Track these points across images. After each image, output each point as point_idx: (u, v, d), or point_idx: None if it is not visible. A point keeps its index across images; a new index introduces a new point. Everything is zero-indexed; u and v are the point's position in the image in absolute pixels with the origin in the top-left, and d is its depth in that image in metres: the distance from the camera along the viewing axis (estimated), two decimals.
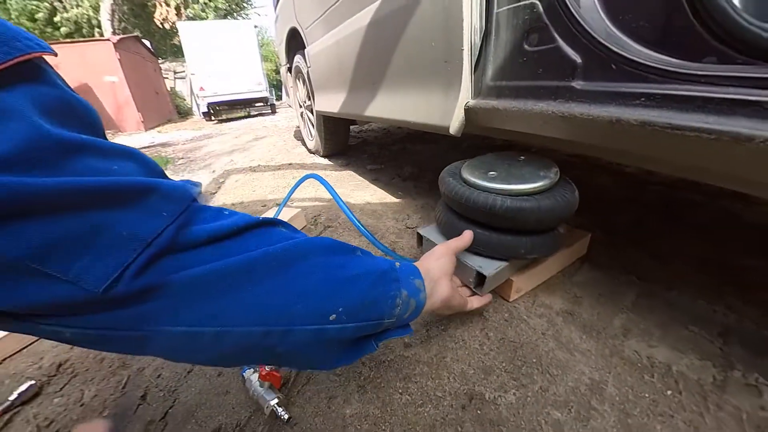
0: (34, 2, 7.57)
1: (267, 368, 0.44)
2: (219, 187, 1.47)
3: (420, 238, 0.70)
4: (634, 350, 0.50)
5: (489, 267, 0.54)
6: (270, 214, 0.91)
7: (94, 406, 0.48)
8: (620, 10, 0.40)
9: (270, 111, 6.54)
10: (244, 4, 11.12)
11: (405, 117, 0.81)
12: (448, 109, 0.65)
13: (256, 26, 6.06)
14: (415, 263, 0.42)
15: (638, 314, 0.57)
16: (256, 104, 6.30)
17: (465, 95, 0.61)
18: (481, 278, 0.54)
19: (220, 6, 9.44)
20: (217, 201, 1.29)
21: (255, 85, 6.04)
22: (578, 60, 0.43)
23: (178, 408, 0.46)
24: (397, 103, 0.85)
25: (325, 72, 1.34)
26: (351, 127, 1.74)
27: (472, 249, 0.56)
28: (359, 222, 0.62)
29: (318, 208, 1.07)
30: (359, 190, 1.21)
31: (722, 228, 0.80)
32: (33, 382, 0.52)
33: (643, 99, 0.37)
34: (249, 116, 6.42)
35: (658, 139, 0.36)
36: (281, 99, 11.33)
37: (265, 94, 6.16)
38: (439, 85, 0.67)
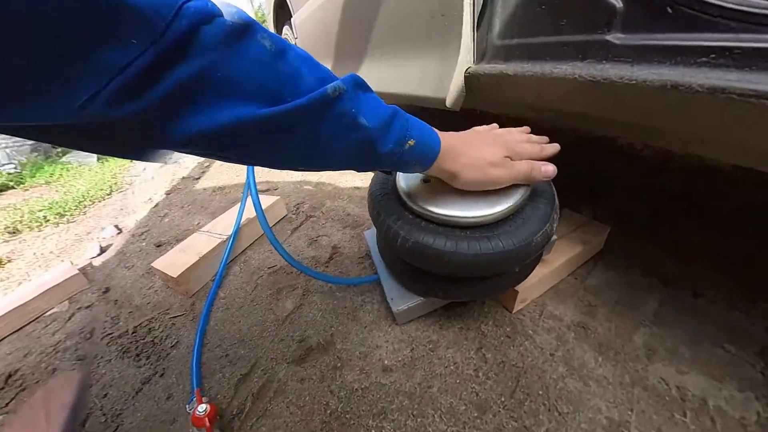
0: None
1: (199, 409, 0.36)
2: (203, 173, 1.40)
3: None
4: (660, 377, 0.40)
5: (400, 301, 0.44)
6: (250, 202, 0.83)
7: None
8: None
9: None
10: None
11: (395, 89, 0.68)
12: (445, 76, 0.52)
13: (251, 1, 5.72)
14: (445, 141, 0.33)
15: (663, 327, 0.46)
16: None
17: (466, 58, 0.48)
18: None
19: None
20: (199, 186, 1.22)
21: None
22: (618, 4, 0.30)
23: None
24: (386, 73, 0.72)
25: (311, 42, 1.20)
26: None
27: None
28: (276, 240, 0.51)
29: (302, 195, 0.98)
30: (348, 175, 1.11)
31: (751, 220, 0.66)
32: None
33: (713, 56, 0.25)
34: None
35: (735, 113, 0.24)
36: None
37: None
38: (434, 47, 0.54)
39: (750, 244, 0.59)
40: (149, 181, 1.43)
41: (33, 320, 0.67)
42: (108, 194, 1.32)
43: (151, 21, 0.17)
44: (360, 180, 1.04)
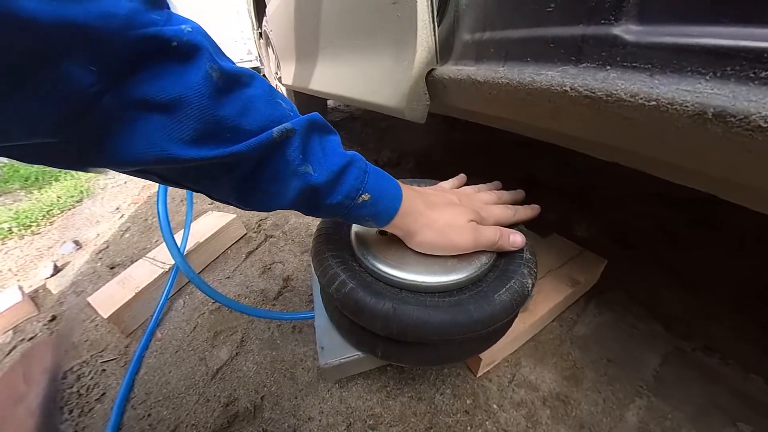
0: None
1: None
2: None
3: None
4: None
5: (330, 354, 0.35)
6: (209, 219, 0.75)
7: None
8: None
9: None
10: None
11: (350, 93, 0.57)
12: (399, 80, 0.41)
13: None
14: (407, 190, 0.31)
15: (664, 398, 0.37)
16: None
17: (424, 57, 0.37)
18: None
19: None
20: (168, 194, 1.15)
21: (245, 54, 5.62)
22: None
23: None
24: (339, 75, 0.61)
25: (281, 36, 1.08)
26: (327, 101, 1.49)
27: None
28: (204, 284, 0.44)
29: None
30: None
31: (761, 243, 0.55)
32: None
33: None
34: None
35: None
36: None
37: (257, 64, 5.74)
38: (385, 44, 0.43)
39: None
40: (121, 186, 1.37)
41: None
42: (78, 201, 1.27)
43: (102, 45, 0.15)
44: None
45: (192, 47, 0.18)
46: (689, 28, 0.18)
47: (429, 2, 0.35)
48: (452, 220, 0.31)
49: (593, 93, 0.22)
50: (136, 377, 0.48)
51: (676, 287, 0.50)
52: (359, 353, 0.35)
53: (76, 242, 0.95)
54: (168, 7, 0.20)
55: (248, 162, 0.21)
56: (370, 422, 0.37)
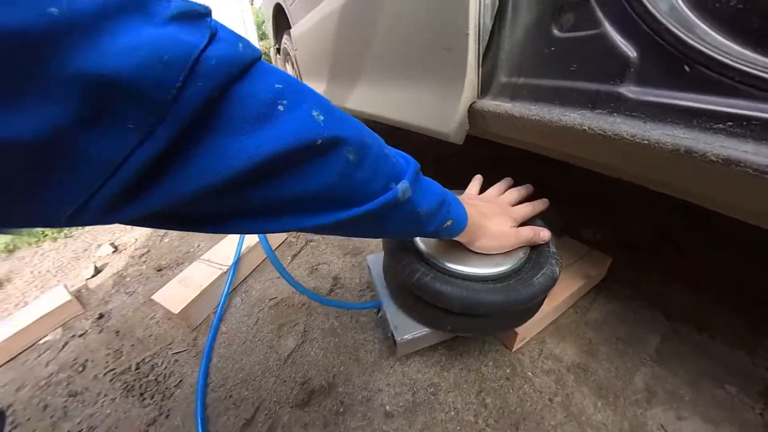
0: None
1: None
2: None
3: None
4: (659, 424, 0.40)
5: (404, 330, 0.44)
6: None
7: None
8: None
9: None
10: None
11: (395, 116, 0.67)
12: (447, 110, 0.51)
13: (252, 2, 5.64)
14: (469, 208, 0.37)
15: (665, 367, 0.47)
16: None
17: (469, 94, 0.47)
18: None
19: None
20: None
21: None
22: (632, 54, 0.29)
23: None
24: (385, 98, 0.71)
25: (310, 56, 1.19)
26: None
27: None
28: (284, 269, 0.48)
29: None
30: None
31: (762, 246, 0.67)
32: None
33: (730, 123, 0.24)
34: None
35: (750, 186, 0.23)
36: None
37: None
38: (436, 79, 0.53)
39: (757, 270, 0.59)
40: None
41: (27, 348, 0.67)
42: None
43: (151, 92, 0.12)
44: None
45: (332, 141, 0.19)
46: (670, 92, 0.28)
47: (477, 53, 0.45)
48: (500, 227, 0.40)
49: (605, 132, 0.32)
50: (209, 366, 0.54)
51: (675, 281, 0.60)
52: (428, 329, 0.44)
53: (113, 245, 1.00)
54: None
55: (374, 216, 0.23)
56: (431, 390, 0.45)
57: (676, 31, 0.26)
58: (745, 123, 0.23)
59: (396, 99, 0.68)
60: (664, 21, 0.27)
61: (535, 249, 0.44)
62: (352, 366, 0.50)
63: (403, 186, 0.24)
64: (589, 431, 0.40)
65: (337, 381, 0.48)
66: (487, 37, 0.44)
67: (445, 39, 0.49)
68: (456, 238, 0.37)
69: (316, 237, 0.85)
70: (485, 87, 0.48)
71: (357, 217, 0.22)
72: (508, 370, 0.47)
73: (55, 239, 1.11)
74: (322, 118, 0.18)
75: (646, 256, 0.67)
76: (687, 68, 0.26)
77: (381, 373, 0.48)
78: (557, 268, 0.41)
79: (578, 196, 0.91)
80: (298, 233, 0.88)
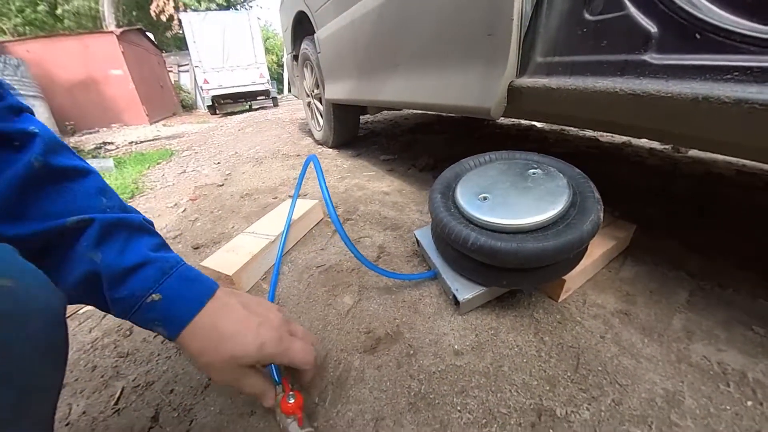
0: None
1: (289, 399, 0.36)
2: (225, 179, 1.42)
3: (418, 241, 0.63)
4: (702, 355, 0.44)
5: (465, 291, 0.49)
6: (286, 206, 0.86)
7: (81, 427, 0.43)
8: None
9: (272, 104, 6.46)
10: None
11: (434, 99, 0.74)
12: (488, 88, 0.58)
13: (258, 18, 5.92)
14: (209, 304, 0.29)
15: (697, 314, 0.51)
16: (259, 97, 6.23)
17: (510, 72, 0.54)
18: (457, 300, 0.49)
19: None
20: (224, 192, 1.24)
21: (258, 78, 5.96)
22: (653, 29, 0.37)
23: (196, 430, 0.41)
24: (424, 85, 0.78)
25: (337, 56, 1.27)
26: (361, 114, 1.68)
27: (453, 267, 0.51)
28: (346, 235, 0.50)
29: (335, 199, 1.01)
30: (375, 181, 1.15)
31: (752, 217, 0.74)
32: None
33: (736, 73, 0.31)
34: (251, 109, 6.35)
35: (756, 119, 0.30)
36: (283, 92, 11.17)
37: (268, 87, 6.08)
38: (479, 62, 0.60)
39: (759, 243, 0.66)
40: (170, 186, 1.44)
41: (66, 318, 0.67)
42: (131, 197, 1.33)
43: None
44: (386, 186, 1.09)
45: (26, 139, 0.23)
46: (686, 55, 0.35)
47: (519, 37, 0.53)
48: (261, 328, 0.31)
49: (634, 92, 0.39)
50: None
51: (692, 251, 0.65)
52: (485, 287, 0.48)
53: None
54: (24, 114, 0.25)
55: (40, 240, 0.24)
56: (492, 332, 0.49)
57: (688, 8, 0.34)
58: (748, 71, 0.30)
59: (433, 84, 0.75)
60: (677, 1, 0.34)
61: (578, 192, 0.48)
62: (414, 317, 0.53)
63: (80, 217, 0.25)
64: (642, 361, 0.43)
65: (401, 329, 0.51)
66: (527, 23, 0.51)
67: (489, 25, 0.57)
68: (181, 344, 0.28)
69: (354, 216, 0.89)
70: (523, 67, 0.55)
71: (25, 237, 0.23)
72: (558, 316, 0.51)
73: None
74: (34, 129, 0.25)
75: (661, 233, 0.73)
76: (698, 36, 0.34)
77: (443, 321, 0.51)
78: (601, 215, 0.45)
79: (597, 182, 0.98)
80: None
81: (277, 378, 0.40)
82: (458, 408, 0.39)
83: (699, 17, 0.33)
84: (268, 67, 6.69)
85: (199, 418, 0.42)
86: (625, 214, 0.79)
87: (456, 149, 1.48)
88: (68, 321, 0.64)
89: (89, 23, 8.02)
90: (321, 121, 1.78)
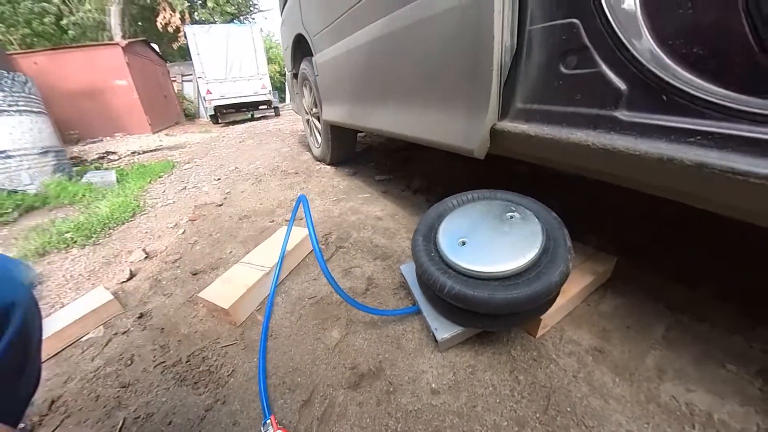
0: (43, 3, 7.62)
1: None
2: (225, 198, 1.46)
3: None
4: (671, 395, 0.46)
5: (443, 331, 0.52)
6: (280, 234, 0.89)
7: None
8: (671, 35, 0.36)
9: (274, 114, 6.56)
10: (251, 8, 11.17)
11: (422, 134, 0.78)
12: (472, 130, 0.62)
13: (261, 29, 6.06)
14: None
15: (671, 350, 0.53)
16: (261, 107, 6.33)
17: (491, 117, 0.57)
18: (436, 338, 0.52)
19: (227, 10, 9.47)
20: (223, 212, 1.28)
21: (260, 88, 6.07)
22: (623, 87, 0.40)
23: None
24: (413, 119, 0.82)
25: (334, 82, 1.32)
26: (357, 133, 1.72)
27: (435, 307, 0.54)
28: (331, 276, 0.55)
29: (329, 225, 1.05)
30: (369, 204, 1.19)
31: (743, 248, 0.76)
32: (23, 425, 0.50)
33: (699, 137, 0.34)
34: (253, 118, 6.45)
35: (715, 182, 0.33)
36: (284, 101, 11.34)
37: (270, 97, 6.19)
38: (462, 105, 0.64)
39: (747, 271, 0.68)
40: (171, 204, 1.48)
41: (69, 345, 0.69)
42: (132, 217, 1.37)
43: None
44: (380, 210, 1.12)
45: None
46: (653, 115, 0.38)
47: (498, 84, 0.56)
48: None
49: (604, 147, 0.42)
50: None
51: (673, 281, 0.68)
52: (463, 328, 0.51)
53: (144, 251, 1.05)
54: None
55: None
56: (469, 370, 0.51)
57: (656, 71, 0.37)
58: (709, 137, 0.33)
59: (421, 120, 0.78)
60: (646, 64, 0.37)
61: (552, 237, 0.50)
62: (396, 353, 0.55)
63: None
64: (611, 402, 0.46)
65: (383, 365, 0.53)
66: (507, 72, 0.55)
67: (470, 73, 0.60)
68: None
69: (345, 244, 0.92)
70: (504, 111, 0.58)
71: None
72: (534, 353, 0.53)
73: (83, 246, 1.15)
74: None
75: (647, 258, 0.76)
76: (665, 97, 0.36)
77: (423, 358, 0.54)
78: (570, 264, 0.47)
79: (579, 209, 1.01)
80: (328, 241, 0.95)
81: (267, 413, 0.43)
82: None
83: (666, 80, 0.36)
84: (271, 76, 6.81)
85: None
86: (610, 242, 0.82)
87: (451, 170, 1.51)
88: (71, 348, 0.68)
89: (93, 34, 8.18)
90: (319, 138, 1.82)
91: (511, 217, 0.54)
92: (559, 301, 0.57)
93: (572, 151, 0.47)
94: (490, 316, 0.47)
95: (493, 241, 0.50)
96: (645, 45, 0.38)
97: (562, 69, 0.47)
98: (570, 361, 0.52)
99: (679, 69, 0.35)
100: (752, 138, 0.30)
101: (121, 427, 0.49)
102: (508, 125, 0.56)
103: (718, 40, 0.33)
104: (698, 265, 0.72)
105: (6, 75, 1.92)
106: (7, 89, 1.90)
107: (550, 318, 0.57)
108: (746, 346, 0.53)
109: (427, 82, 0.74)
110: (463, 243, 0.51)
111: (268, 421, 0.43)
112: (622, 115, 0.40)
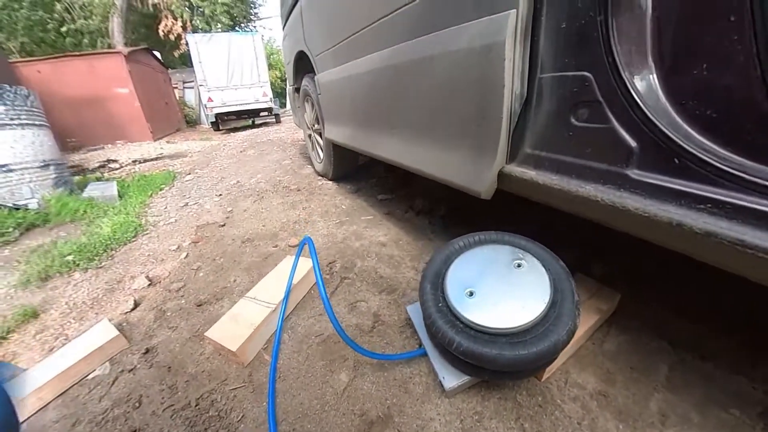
0: (41, 13, 7.64)
1: None
2: (227, 218, 1.46)
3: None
4: None
5: (451, 379, 0.53)
6: (286, 265, 0.90)
7: None
8: (685, 95, 0.36)
9: (275, 120, 6.58)
10: (252, 17, 11.24)
11: (428, 169, 0.78)
12: (479, 171, 0.61)
13: (263, 37, 6.10)
14: None
15: (674, 392, 0.54)
16: (262, 114, 6.36)
17: (500, 160, 0.57)
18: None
19: (223, 20, 9.52)
20: (226, 234, 1.28)
21: (261, 96, 6.09)
22: (634, 145, 0.39)
23: None
24: (419, 153, 0.83)
25: (337, 103, 1.33)
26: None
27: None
28: (337, 321, 0.57)
29: (332, 252, 1.05)
30: (372, 228, 1.19)
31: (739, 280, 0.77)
32: None
33: (709, 205, 0.33)
34: (254, 125, 6.47)
35: (723, 251, 0.33)
36: (285, 107, 11.36)
37: (271, 104, 6.22)
38: (470, 146, 0.64)
39: (751, 302, 0.68)
40: (172, 223, 1.48)
41: (75, 384, 0.69)
42: (134, 237, 1.37)
43: None
44: (383, 235, 1.13)
45: None
46: (664, 177, 0.37)
47: (508, 130, 0.56)
48: None
49: (613, 204, 0.42)
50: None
51: (676, 314, 0.69)
52: (470, 377, 0.52)
53: (147, 278, 1.05)
54: None
55: None
56: (476, 417, 0.52)
57: (667, 132, 0.36)
58: (720, 206, 0.33)
59: (428, 155, 0.79)
60: (658, 123, 0.37)
61: (559, 289, 0.51)
62: (404, 398, 0.56)
63: None
64: None
65: (392, 412, 0.54)
66: (517, 118, 0.54)
67: (479, 116, 0.60)
68: None
69: (350, 274, 0.92)
70: (513, 155, 0.58)
71: None
72: (539, 398, 0.54)
73: (85, 270, 1.15)
74: None
75: (647, 292, 0.77)
76: (677, 160, 0.36)
77: (430, 404, 0.54)
78: (578, 320, 0.48)
79: (584, 239, 1.02)
80: (332, 270, 0.95)
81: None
82: None
83: (677, 142, 0.35)
84: (272, 83, 6.84)
85: None
86: (615, 271, 0.82)
87: (454, 192, 1.52)
88: (78, 387, 0.68)
89: (93, 41, 8.16)
90: (321, 154, 1.83)
91: (519, 265, 0.55)
92: None
93: (580, 204, 0.47)
94: (497, 372, 0.48)
95: (501, 292, 0.51)
96: (658, 104, 0.37)
97: (573, 121, 0.46)
98: (575, 407, 0.53)
99: (691, 131, 0.35)
100: (764, 212, 0.30)
101: None
102: (516, 169, 0.56)
103: (733, 103, 0.32)
104: (705, 298, 0.73)
105: (9, 89, 1.92)
106: (9, 103, 1.90)
107: (555, 362, 0.57)
108: (749, 386, 0.54)
109: (433, 118, 0.75)
110: (471, 294, 0.52)
111: None
112: (633, 173, 0.40)
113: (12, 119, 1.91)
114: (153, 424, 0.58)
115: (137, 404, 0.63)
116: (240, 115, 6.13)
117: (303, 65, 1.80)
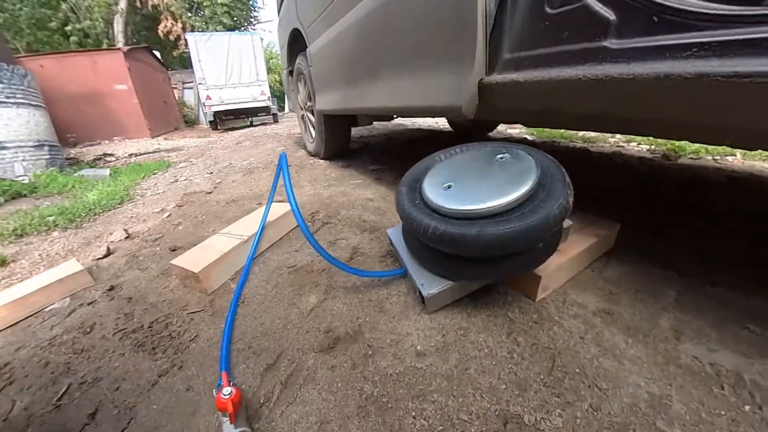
0: (44, 10, 7.84)
1: (224, 393, 0.34)
2: (215, 188, 1.42)
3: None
4: (692, 356, 0.40)
5: (430, 287, 0.46)
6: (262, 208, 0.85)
7: (18, 423, 0.40)
8: None
9: (272, 120, 6.66)
10: (251, 19, 11.59)
11: (412, 102, 0.75)
12: (459, 87, 0.58)
13: (261, 39, 6.28)
14: None
15: (686, 313, 0.47)
16: (260, 113, 6.44)
17: (479, 70, 0.54)
18: (422, 296, 0.46)
19: (224, 21, 9.80)
20: (212, 199, 1.24)
21: (259, 94, 6.19)
22: (611, 17, 0.37)
23: (133, 429, 0.37)
24: (402, 89, 0.80)
25: (326, 68, 1.32)
26: (352, 129, 1.71)
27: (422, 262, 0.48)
28: (314, 239, 0.50)
29: (317, 205, 1.00)
30: (360, 189, 1.15)
31: (742, 220, 0.71)
32: None
33: (695, 50, 0.31)
34: (252, 125, 6.55)
35: (717, 95, 0.30)
36: (284, 110, 11.58)
37: (269, 103, 6.31)
38: (450, 62, 0.61)
39: (753, 241, 0.62)
40: (160, 194, 1.45)
41: (31, 315, 0.64)
42: (119, 203, 1.33)
43: None
44: (371, 193, 1.08)
45: None
46: (645, 38, 0.34)
47: (485, 35, 0.53)
48: None
49: (597, 77, 0.38)
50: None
51: (678, 251, 0.62)
52: (451, 282, 0.46)
53: (125, 231, 1.00)
54: None
55: None
56: (461, 332, 0.45)
57: None
58: (706, 47, 0.30)
59: (409, 89, 0.76)
60: None
61: (548, 173, 0.45)
62: (378, 316, 0.50)
63: None
64: (625, 363, 0.39)
65: (363, 329, 0.48)
66: (492, 22, 0.52)
67: (456, 26, 0.58)
68: None
69: (333, 220, 0.87)
70: (492, 65, 0.55)
71: None
72: (534, 316, 0.47)
73: (65, 228, 1.10)
74: None
75: (646, 232, 0.70)
76: (655, 18, 0.34)
77: (408, 320, 0.48)
78: (570, 198, 0.41)
79: (580, 192, 0.97)
80: (314, 219, 0.90)
81: (223, 364, 0.37)
82: (412, 413, 0.35)
83: (655, 0, 0.33)
84: (270, 85, 6.98)
85: (139, 417, 0.39)
86: (607, 215, 0.77)
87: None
88: (32, 318, 0.63)
89: (95, 41, 8.34)
90: (313, 133, 1.81)
91: (502, 158, 0.49)
92: (560, 259, 0.52)
93: (564, 92, 0.43)
94: (480, 262, 0.42)
95: (482, 181, 0.46)
96: None
97: (548, 9, 0.44)
98: (576, 323, 0.46)
99: None
100: (755, 39, 0.27)
101: (63, 393, 0.43)
102: (496, 78, 0.52)
103: None
104: (705, 239, 0.67)
105: (6, 67, 1.94)
106: (5, 81, 1.91)
107: (550, 280, 0.51)
108: (767, 305, 0.48)
109: (414, 47, 0.72)
110: (449, 187, 0.46)
111: (221, 384, 0.37)
112: (612, 43, 0.37)
113: (8, 97, 1.92)
114: (99, 346, 0.52)
115: (88, 330, 0.57)
116: (238, 114, 6.22)
117: (296, 47, 1.81)
